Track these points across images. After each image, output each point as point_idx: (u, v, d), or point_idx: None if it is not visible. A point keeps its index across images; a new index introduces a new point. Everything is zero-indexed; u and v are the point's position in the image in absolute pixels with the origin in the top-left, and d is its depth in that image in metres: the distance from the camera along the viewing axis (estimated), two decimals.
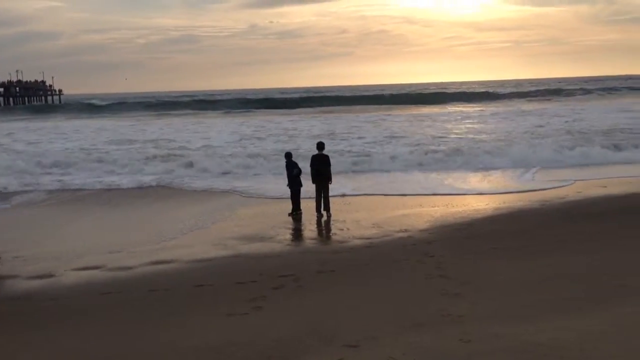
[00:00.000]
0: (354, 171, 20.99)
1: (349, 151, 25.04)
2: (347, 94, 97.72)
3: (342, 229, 12.93)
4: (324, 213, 14.25)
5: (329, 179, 14.37)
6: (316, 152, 14.58)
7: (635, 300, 7.38)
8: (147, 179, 20.58)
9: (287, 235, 12.75)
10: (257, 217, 14.53)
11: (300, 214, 14.39)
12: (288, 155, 14.96)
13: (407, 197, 16.43)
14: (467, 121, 42.69)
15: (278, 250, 11.42)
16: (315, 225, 13.63)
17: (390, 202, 15.78)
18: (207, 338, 6.89)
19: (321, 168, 14.28)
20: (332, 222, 13.69)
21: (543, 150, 23.20)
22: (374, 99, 79.72)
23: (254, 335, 6.83)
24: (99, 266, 10.62)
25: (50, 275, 10.17)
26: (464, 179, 19.09)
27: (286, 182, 14.81)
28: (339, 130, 36.27)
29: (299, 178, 14.60)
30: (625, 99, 65.07)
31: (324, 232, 13.24)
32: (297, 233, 13.09)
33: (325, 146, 14.93)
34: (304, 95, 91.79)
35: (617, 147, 23.86)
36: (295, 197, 14.51)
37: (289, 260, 10.62)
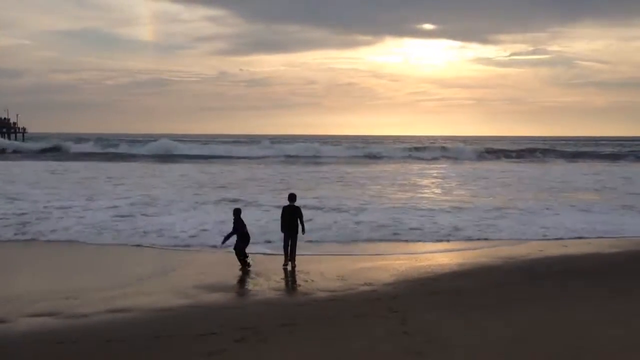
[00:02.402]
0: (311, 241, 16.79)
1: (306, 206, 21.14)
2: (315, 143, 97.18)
3: (306, 281, 12.80)
4: (289, 263, 14.12)
5: (297, 231, 14.24)
6: (287, 203, 14.50)
7: None
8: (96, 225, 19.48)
9: (250, 285, 12.54)
10: (219, 266, 14.29)
11: (249, 267, 13.96)
12: (237, 212, 14.32)
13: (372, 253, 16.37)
14: (436, 179, 43.11)
15: (240, 301, 11.22)
16: (279, 276, 13.44)
17: (354, 255, 15.71)
18: None
19: (291, 219, 14.21)
20: (296, 273, 13.54)
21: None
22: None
23: None
24: (54, 313, 10.22)
25: (1, 322, 9.75)
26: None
27: (223, 239, 14.21)
28: (296, 185, 35.73)
29: (248, 235, 14.16)
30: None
31: (287, 283, 13.06)
32: (260, 283, 12.85)
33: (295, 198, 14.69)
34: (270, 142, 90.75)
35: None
36: (241, 254, 14.05)
37: (251, 311, 10.41)
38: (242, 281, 12.77)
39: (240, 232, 14.06)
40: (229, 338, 8.64)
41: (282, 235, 14.45)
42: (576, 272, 13.51)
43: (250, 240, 14.32)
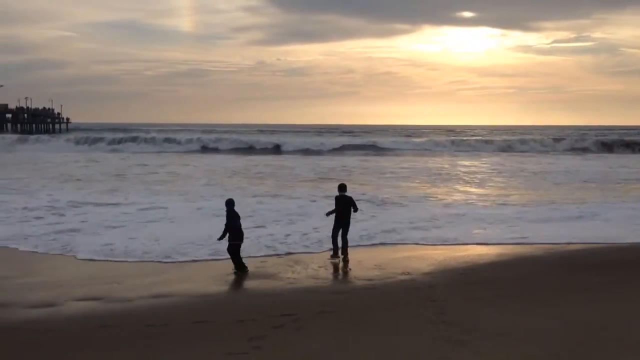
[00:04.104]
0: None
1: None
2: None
3: (345, 269, 12.85)
4: (341, 257, 13.67)
5: (349, 222, 13.85)
6: (337, 193, 14.16)
7: (631, 356, 7.32)
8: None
9: (289, 273, 12.61)
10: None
11: (247, 273, 12.54)
12: (229, 203, 12.82)
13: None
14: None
15: (279, 288, 11.32)
16: (317, 264, 13.46)
17: (391, 244, 15.69)
18: None
19: (344, 210, 13.89)
20: (348, 265, 13.22)
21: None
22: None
23: None
24: (99, 297, 10.54)
25: (50, 305, 10.09)
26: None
27: (220, 235, 12.79)
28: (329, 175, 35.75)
29: (242, 232, 12.80)
30: None
31: (326, 271, 13.10)
32: (298, 271, 12.90)
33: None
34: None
35: None
36: (236, 255, 12.59)
37: (290, 299, 10.52)
38: (280, 269, 12.85)
39: (233, 227, 12.59)
40: (268, 324, 8.76)
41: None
42: (617, 263, 13.24)
43: (245, 237, 12.91)
